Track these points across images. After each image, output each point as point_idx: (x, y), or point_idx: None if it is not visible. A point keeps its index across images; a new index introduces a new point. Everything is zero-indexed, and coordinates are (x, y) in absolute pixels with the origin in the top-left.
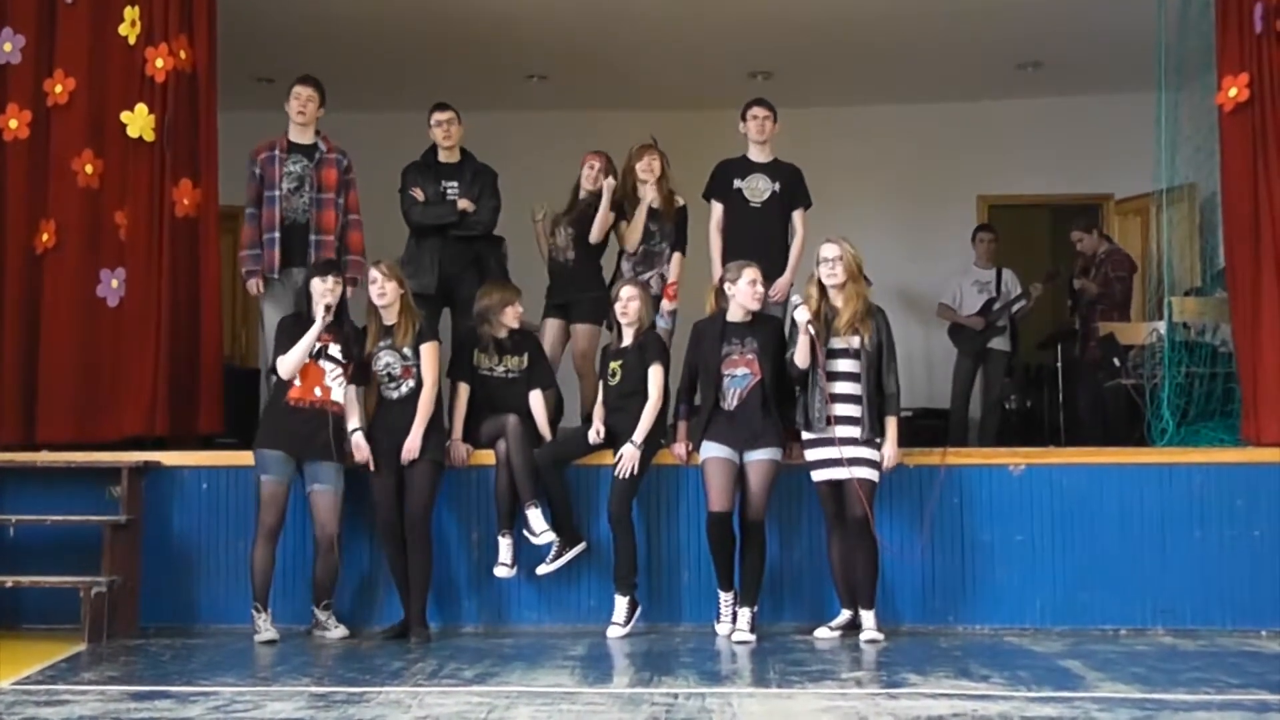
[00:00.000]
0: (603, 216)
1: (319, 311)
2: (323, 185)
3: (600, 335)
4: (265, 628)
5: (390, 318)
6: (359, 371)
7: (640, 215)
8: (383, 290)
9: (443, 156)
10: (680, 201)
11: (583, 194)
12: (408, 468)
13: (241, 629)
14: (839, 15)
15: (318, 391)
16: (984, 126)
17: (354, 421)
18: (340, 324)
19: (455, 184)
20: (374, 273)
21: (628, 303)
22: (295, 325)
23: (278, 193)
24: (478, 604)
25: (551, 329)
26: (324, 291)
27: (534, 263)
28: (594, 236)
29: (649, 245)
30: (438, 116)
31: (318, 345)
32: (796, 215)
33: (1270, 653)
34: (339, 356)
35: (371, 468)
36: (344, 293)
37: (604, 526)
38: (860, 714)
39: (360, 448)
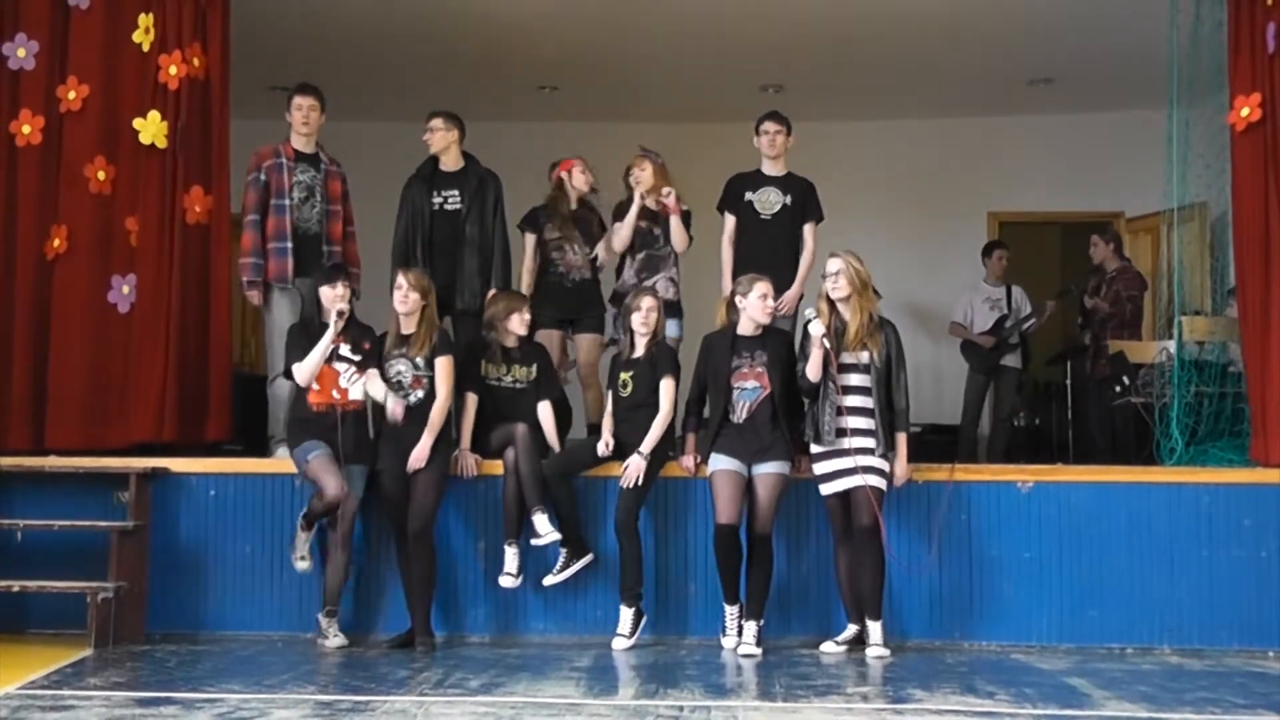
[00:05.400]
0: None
1: (331, 318)
2: (330, 197)
3: (601, 345)
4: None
5: (409, 326)
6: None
7: (631, 215)
8: (405, 298)
9: (442, 165)
10: (684, 206)
11: (572, 201)
12: (412, 476)
13: (247, 636)
14: (850, 30)
15: (335, 394)
16: (995, 143)
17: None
18: (348, 325)
19: (456, 193)
20: (400, 279)
21: (648, 313)
22: (303, 333)
23: (288, 201)
24: (484, 614)
25: (551, 340)
26: (334, 298)
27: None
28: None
29: (653, 250)
30: (429, 124)
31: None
32: (807, 229)
33: (1276, 673)
34: (350, 356)
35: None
36: (351, 295)
37: (611, 538)
38: None
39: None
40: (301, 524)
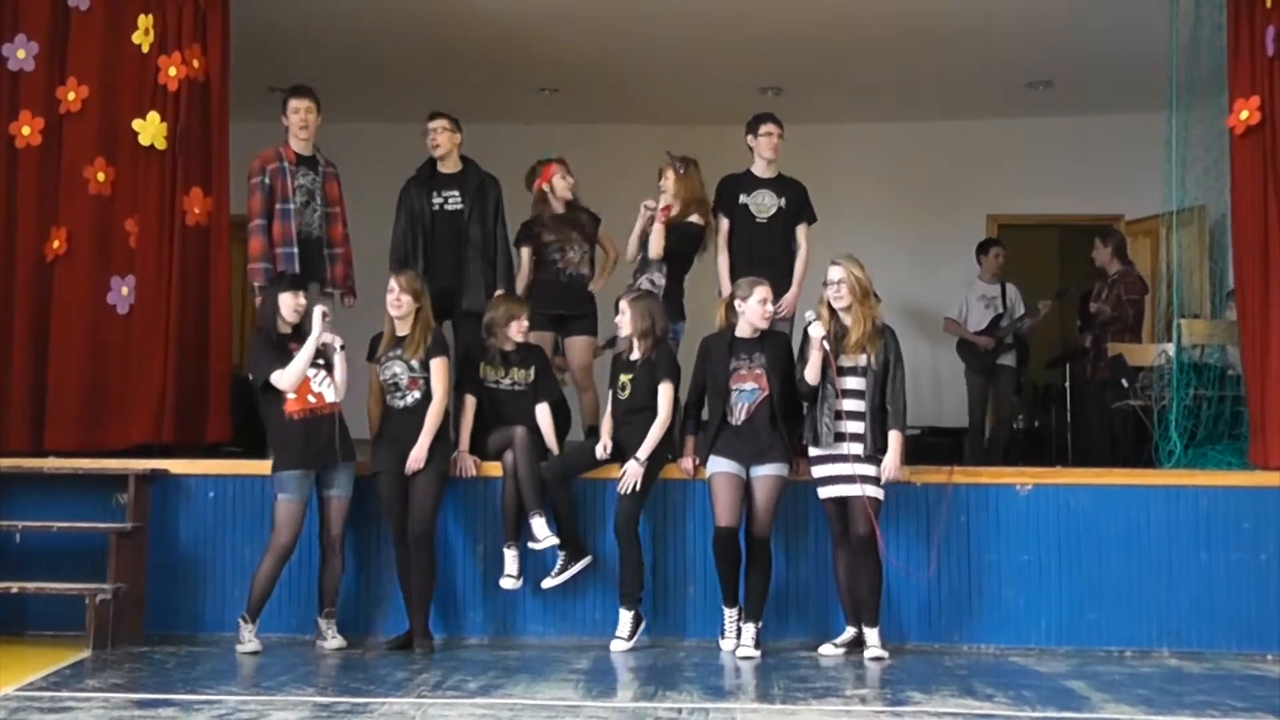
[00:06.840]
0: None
1: (316, 317)
2: (329, 199)
3: (594, 347)
4: (249, 639)
5: (404, 328)
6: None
7: (637, 228)
8: (398, 301)
9: (442, 167)
10: (700, 221)
11: (558, 206)
12: (411, 478)
13: None
14: (849, 32)
15: (311, 399)
16: (994, 145)
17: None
18: (300, 330)
19: (457, 193)
20: (391, 283)
21: (619, 317)
22: (266, 342)
23: (291, 206)
24: (483, 616)
25: (543, 343)
26: (294, 307)
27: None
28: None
29: (646, 253)
30: (428, 125)
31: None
32: (800, 230)
33: (1275, 676)
34: (318, 361)
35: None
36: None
37: (610, 540)
38: None
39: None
40: (242, 618)
